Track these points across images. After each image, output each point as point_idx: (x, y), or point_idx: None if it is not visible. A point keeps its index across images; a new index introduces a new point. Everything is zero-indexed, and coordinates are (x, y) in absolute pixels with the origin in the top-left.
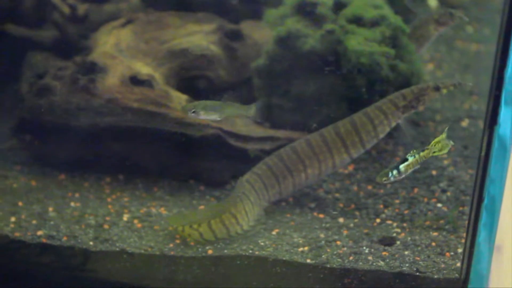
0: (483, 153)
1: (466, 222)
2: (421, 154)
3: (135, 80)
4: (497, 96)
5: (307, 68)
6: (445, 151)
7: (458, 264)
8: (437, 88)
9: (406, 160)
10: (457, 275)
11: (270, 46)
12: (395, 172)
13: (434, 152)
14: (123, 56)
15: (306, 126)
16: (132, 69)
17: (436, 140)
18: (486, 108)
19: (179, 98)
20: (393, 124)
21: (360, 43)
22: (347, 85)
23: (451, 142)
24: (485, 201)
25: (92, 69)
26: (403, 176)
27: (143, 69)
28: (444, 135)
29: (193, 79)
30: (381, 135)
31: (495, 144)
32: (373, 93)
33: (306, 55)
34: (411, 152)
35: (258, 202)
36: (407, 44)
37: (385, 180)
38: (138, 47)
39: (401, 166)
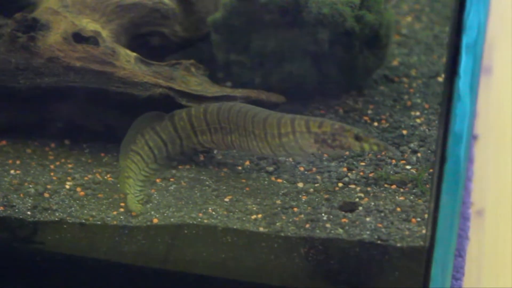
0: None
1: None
2: None
3: (79, 37)
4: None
5: (267, 22)
6: None
7: (424, 231)
8: (357, 137)
9: None
10: (422, 243)
11: None
12: None
13: None
14: (68, 11)
15: (267, 84)
16: (76, 25)
17: None
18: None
19: (128, 56)
20: (304, 146)
21: None
22: (309, 39)
23: None
24: (448, 162)
25: (33, 26)
26: None
27: (90, 25)
28: None
29: (146, 36)
30: (287, 149)
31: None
32: (338, 47)
33: (265, 7)
34: None
35: None
36: None
37: None
38: (85, 2)
39: None
